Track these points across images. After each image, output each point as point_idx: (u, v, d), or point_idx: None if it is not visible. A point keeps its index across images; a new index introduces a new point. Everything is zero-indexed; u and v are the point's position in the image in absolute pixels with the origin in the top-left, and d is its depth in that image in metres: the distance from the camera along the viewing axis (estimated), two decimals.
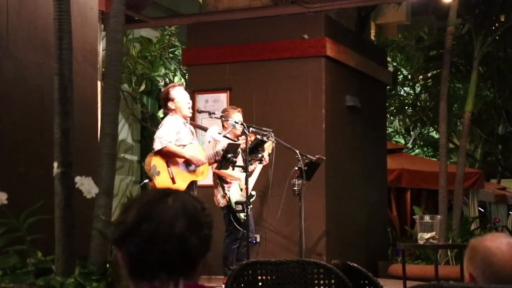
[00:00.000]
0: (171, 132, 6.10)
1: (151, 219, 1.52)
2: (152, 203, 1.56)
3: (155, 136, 6.18)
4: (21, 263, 3.71)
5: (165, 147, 6.04)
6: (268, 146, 6.80)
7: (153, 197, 1.58)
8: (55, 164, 3.72)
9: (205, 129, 6.63)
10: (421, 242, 6.55)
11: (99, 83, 6.08)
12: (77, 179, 3.64)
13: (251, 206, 6.76)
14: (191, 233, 1.54)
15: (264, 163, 6.86)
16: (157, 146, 6.08)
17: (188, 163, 6.18)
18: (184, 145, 6.19)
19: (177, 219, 1.53)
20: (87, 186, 3.62)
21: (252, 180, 6.89)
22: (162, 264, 1.53)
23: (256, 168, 7.07)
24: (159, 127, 6.32)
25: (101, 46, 7.18)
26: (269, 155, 6.83)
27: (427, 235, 6.43)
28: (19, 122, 5.01)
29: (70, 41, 3.76)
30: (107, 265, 3.71)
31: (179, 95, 6.23)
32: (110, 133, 4.00)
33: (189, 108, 6.28)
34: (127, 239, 1.53)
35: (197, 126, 6.80)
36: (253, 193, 6.95)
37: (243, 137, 6.46)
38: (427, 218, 6.66)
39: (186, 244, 1.53)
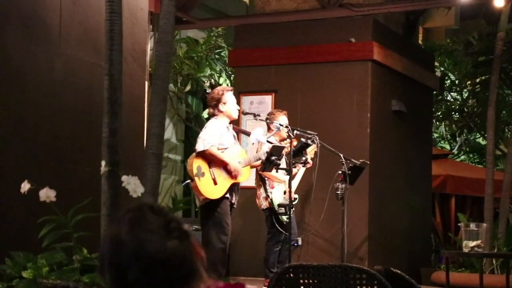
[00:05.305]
0: (215, 135, 6.12)
1: (133, 273, 1.57)
2: (121, 257, 1.59)
3: (199, 137, 6.21)
4: (67, 260, 3.77)
5: (207, 149, 6.06)
6: (311, 151, 6.78)
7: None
8: (103, 163, 3.77)
9: (248, 134, 6.65)
10: (466, 250, 6.45)
11: (146, 83, 6.14)
12: (124, 178, 3.68)
13: (293, 209, 6.75)
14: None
15: (308, 166, 6.84)
16: (199, 147, 6.10)
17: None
18: (226, 148, 6.22)
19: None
20: (133, 185, 3.65)
21: (295, 183, 6.88)
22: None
23: (299, 171, 7.06)
24: (203, 129, 6.35)
25: (149, 47, 7.26)
26: (312, 159, 6.81)
27: (473, 243, 6.33)
28: (69, 120, 5.10)
29: (121, 42, 3.81)
30: None
31: (231, 99, 6.27)
32: (156, 133, 4.03)
33: (237, 112, 6.36)
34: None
35: (240, 131, 6.82)
36: (296, 196, 6.93)
37: (288, 140, 6.47)
38: (472, 226, 6.56)
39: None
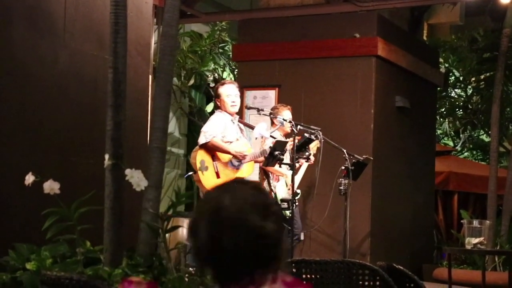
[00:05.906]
0: (216, 127, 6.14)
1: (227, 240, 1.59)
2: (220, 221, 1.61)
3: (201, 130, 6.23)
4: (70, 252, 3.77)
5: (209, 141, 6.08)
6: (313, 147, 6.78)
7: (217, 214, 1.61)
8: (106, 156, 3.77)
9: (252, 128, 6.64)
10: (468, 247, 6.45)
11: (150, 76, 6.14)
12: (127, 171, 3.67)
13: (296, 203, 6.75)
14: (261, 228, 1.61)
15: (310, 162, 6.84)
16: (201, 140, 6.12)
17: (232, 159, 6.20)
18: (230, 142, 6.22)
19: (241, 230, 1.60)
20: (136, 178, 3.65)
21: (297, 178, 6.88)
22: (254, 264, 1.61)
23: (302, 166, 7.05)
24: (206, 122, 6.37)
25: (153, 40, 7.25)
26: (314, 155, 6.81)
27: (475, 240, 6.33)
28: (73, 113, 5.10)
29: (125, 35, 3.80)
30: (154, 258, 3.75)
31: (224, 92, 6.27)
32: (160, 127, 4.03)
33: (232, 106, 6.27)
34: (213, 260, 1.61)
35: (244, 124, 6.82)
36: (298, 191, 6.94)
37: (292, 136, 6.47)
38: (475, 223, 6.56)
39: (260, 245, 1.60)
